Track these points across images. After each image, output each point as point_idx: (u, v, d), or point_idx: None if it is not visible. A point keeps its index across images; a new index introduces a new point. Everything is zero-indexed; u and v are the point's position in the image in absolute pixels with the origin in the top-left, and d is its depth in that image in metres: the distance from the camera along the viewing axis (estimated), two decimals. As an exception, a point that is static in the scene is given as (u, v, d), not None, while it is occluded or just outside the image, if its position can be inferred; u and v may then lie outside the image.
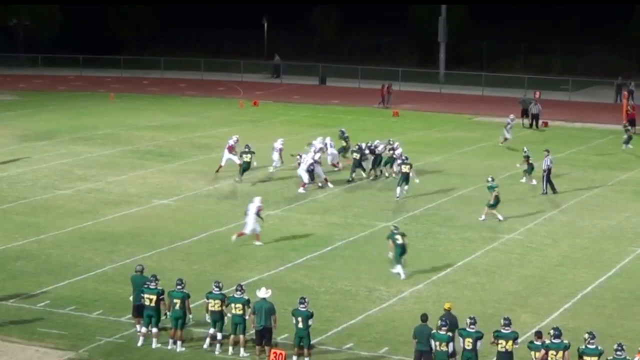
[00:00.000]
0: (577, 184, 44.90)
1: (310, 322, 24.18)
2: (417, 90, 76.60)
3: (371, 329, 26.68)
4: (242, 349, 24.77)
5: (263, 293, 24.76)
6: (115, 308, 27.72)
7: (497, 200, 37.79)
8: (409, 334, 25.02)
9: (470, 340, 22.91)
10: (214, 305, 25.02)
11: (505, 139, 53.71)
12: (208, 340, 25.23)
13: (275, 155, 44.97)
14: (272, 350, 24.13)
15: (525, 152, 45.11)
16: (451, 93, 75.20)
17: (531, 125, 60.26)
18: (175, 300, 25.04)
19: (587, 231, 37.10)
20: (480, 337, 23.01)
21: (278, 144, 45.17)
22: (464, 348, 23.01)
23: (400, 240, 31.16)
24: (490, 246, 34.79)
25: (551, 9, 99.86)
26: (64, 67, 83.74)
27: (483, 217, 38.03)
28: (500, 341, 22.70)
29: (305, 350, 24.19)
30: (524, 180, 44.52)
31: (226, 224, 36.79)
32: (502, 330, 22.81)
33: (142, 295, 25.19)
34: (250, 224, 34.20)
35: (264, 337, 24.48)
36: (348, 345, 25.54)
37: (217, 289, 25.10)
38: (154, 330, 25.23)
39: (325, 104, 69.38)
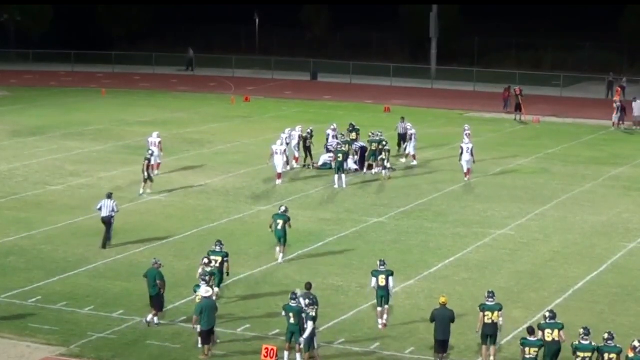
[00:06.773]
0: (568, 179, 44.93)
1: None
2: (408, 86, 76.57)
3: (362, 325, 26.69)
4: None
5: (204, 292, 24.63)
6: (106, 304, 27.72)
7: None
8: (401, 330, 25.11)
9: (383, 277, 25.90)
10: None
11: None
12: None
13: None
14: (264, 346, 24.12)
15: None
16: (443, 89, 75.16)
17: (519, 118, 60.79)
18: (216, 258, 27.27)
19: (579, 227, 37.14)
20: (392, 274, 26.03)
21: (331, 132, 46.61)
22: (379, 285, 25.88)
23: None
24: (482, 242, 34.82)
25: (542, 5, 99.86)
26: (55, 63, 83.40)
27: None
28: (486, 313, 23.87)
29: (297, 346, 24.19)
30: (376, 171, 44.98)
31: (217, 220, 36.79)
32: (487, 303, 23.99)
33: (208, 257, 26.97)
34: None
35: (209, 336, 24.46)
36: (339, 341, 25.56)
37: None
38: (216, 290, 26.25)
39: (317, 100, 69.31)
